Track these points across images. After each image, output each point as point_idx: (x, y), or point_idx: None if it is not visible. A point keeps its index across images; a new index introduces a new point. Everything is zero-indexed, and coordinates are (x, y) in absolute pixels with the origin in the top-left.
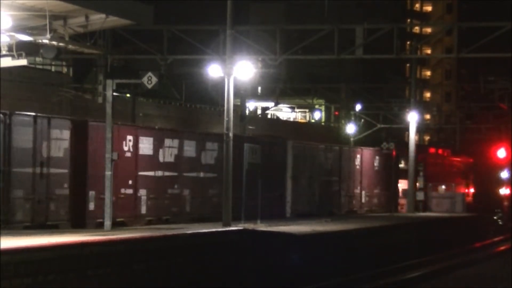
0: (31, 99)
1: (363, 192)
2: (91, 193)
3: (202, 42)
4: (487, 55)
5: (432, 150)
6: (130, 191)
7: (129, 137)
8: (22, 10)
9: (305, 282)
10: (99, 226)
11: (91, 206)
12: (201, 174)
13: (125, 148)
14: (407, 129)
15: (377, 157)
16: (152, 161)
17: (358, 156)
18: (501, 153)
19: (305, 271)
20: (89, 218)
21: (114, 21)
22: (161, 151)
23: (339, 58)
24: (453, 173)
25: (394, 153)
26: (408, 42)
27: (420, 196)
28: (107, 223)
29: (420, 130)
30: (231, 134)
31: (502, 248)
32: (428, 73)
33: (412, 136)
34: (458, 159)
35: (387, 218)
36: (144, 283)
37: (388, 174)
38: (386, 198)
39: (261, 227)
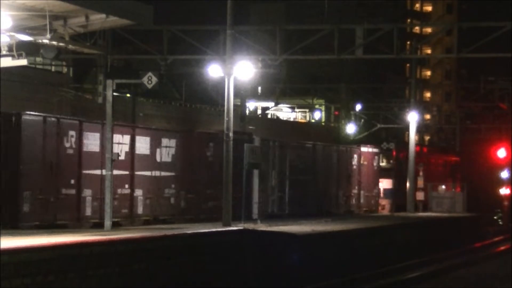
0: (31, 99)
1: (340, 193)
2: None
3: (202, 42)
4: (487, 55)
5: (417, 148)
6: (72, 191)
7: (72, 133)
8: (22, 10)
9: (305, 282)
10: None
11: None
12: (157, 173)
13: (67, 145)
14: (407, 129)
15: (355, 156)
16: (99, 159)
17: (335, 154)
18: (501, 153)
19: (305, 271)
20: None
21: (114, 21)
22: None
23: (339, 58)
24: (439, 172)
25: (394, 153)
26: (408, 42)
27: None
28: (107, 223)
29: (420, 130)
30: (231, 134)
31: (502, 248)
32: (428, 73)
33: (412, 136)
34: (444, 157)
35: (387, 218)
36: (144, 283)
37: (370, 173)
38: (367, 198)
39: (261, 227)
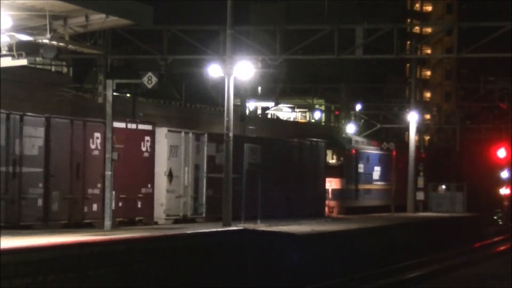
0: (31, 99)
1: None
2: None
3: (202, 42)
4: (487, 55)
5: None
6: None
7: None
8: (22, 10)
9: (305, 282)
10: None
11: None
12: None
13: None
14: (407, 129)
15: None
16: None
17: (276, 148)
18: (501, 153)
19: (305, 271)
20: None
21: (114, 21)
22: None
23: (339, 58)
24: (399, 169)
25: (394, 153)
26: (408, 42)
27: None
28: (107, 223)
29: (420, 130)
30: (231, 134)
31: (502, 248)
32: (428, 73)
33: (412, 136)
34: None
35: (387, 218)
36: (144, 283)
37: (315, 171)
38: (312, 200)
39: (261, 227)
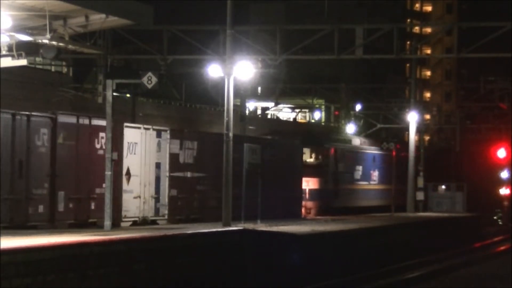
0: (31, 99)
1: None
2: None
3: (202, 42)
4: (487, 55)
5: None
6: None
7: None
8: (22, 10)
9: (305, 282)
10: None
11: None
12: None
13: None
14: (407, 129)
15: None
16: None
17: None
18: (501, 153)
19: (305, 271)
20: None
21: (114, 21)
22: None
23: (339, 58)
24: (379, 168)
25: (394, 153)
26: (408, 42)
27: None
28: (107, 223)
29: (420, 130)
30: (231, 134)
31: (502, 248)
32: (428, 73)
33: (412, 136)
34: (384, 152)
35: (387, 218)
36: (144, 283)
37: (290, 170)
38: (286, 200)
39: (261, 227)
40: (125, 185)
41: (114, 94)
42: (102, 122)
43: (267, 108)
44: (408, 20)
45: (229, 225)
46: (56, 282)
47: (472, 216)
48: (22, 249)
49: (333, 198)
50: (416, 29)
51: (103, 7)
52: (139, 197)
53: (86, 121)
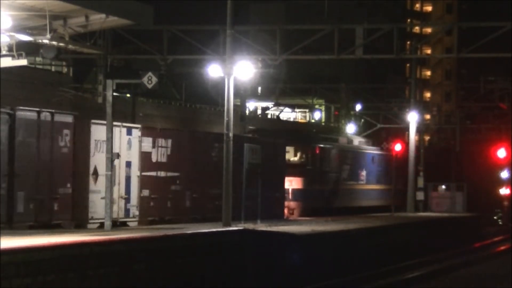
0: (31, 99)
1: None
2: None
3: (202, 42)
4: (487, 55)
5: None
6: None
7: None
8: (22, 10)
9: (305, 282)
10: None
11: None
12: None
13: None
14: (407, 129)
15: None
16: None
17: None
18: (501, 153)
19: (305, 271)
20: None
21: (114, 21)
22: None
23: (339, 58)
24: (368, 168)
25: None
26: (408, 42)
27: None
28: (107, 223)
29: (420, 130)
30: (231, 134)
31: (502, 248)
32: (428, 73)
33: (412, 136)
34: (374, 152)
35: (387, 218)
36: (144, 283)
37: (272, 169)
38: (267, 200)
39: (261, 227)
40: (92, 185)
41: (114, 94)
42: (66, 118)
43: (267, 108)
44: (408, 20)
45: (229, 225)
46: (56, 282)
47: (472, 216)
48: (22, 249)
49: (318, 198)
50: (416, 29)
51: (103, 7)
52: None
53: (49, 118)
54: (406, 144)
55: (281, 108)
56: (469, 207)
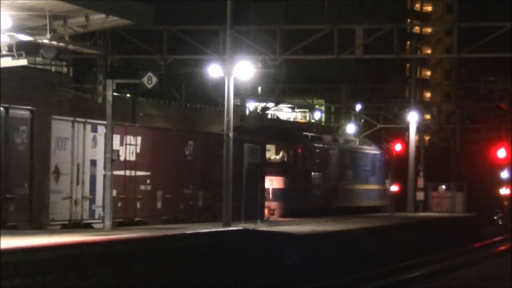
0: (31, 99)
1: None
2: None
3: (202, 42)
4: (487, 55)
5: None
6: None
7: None
8: (22, 10)
9: (305, 282)
10: None
11: None
12: None
13: None
14: (407, 129)
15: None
16: None
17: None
18: (501, 153)
19: (305, 271)
20: None
21: (114, 21)
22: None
23: (339, 58)
24: (354, 167)
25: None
26: (408, 42)
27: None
28: (107, 223)
29: (420, 130)
30: (231, 134)
31: (502, 248)
32: (428, 73)
33: (412, 136)
34: (362, 151)
35: (387, 218)
36: (144, 283)
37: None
38: (248, 201)
39: (261, 227)
40: (52, 185)
41: (114, 94)
42: (23, 114)
43: (267, 108)
44: (408, 20)
45: (229, 225)
46: (56, 282)
47: (472, 216)
48: (22, 249)
49: (300, 198)
50: (416, 29)
51: (103, 7)
52: (70, 198)
53: (3, 113)
54: (406, 144)
55: (270, 105)
56: (469, 207)
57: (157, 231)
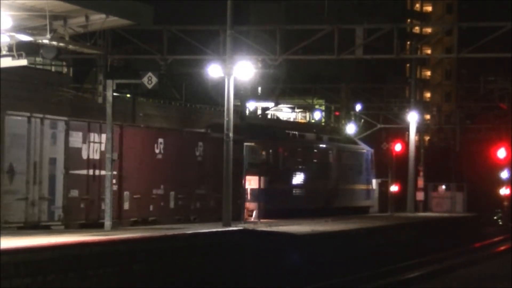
0: (31, 99)
1: (171, 194)
2: None
3: (202, 42)
4: (487, 55)
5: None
6: None
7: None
8: (22, 10)
9: (305, 282)
10: None
11: None
12: None
13: None
14: (407, 129)
15: (200, 143)
16: None
17: (160, 140)
18: (501, 153)
19: (305, 271)
20: None
21: (114, 21)
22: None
23: (339, 58)
24: (339, 166)
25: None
26: (408, 42)
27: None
28: (107, 223)
29: (420, 130)
30: (231, 134)
31: (502, 248)
32: (428, 73)
33: (412, 136)
34: (349, 150)
35: (387, 218)
36: (144, 283)
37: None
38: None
39: (261, 227)
40: (6, 185)
41: (114, 94)
42: None
43: (267, 108)
44: (408, 20)
45: (229, 225)
46: (56, 282)
47: (472, 216)
48: (22, 249)
49: (280, 199)
50: (416, 29)
51: (103, 7)
52: (26, 198)
53: None
54: (406, 144)
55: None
56: (469, 207)
57: (157, 231)
